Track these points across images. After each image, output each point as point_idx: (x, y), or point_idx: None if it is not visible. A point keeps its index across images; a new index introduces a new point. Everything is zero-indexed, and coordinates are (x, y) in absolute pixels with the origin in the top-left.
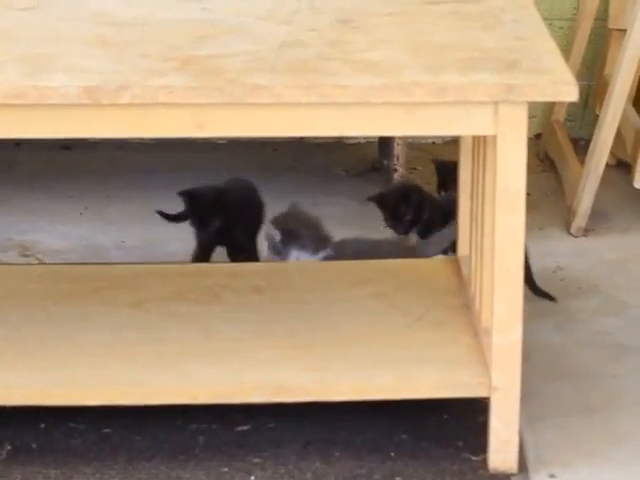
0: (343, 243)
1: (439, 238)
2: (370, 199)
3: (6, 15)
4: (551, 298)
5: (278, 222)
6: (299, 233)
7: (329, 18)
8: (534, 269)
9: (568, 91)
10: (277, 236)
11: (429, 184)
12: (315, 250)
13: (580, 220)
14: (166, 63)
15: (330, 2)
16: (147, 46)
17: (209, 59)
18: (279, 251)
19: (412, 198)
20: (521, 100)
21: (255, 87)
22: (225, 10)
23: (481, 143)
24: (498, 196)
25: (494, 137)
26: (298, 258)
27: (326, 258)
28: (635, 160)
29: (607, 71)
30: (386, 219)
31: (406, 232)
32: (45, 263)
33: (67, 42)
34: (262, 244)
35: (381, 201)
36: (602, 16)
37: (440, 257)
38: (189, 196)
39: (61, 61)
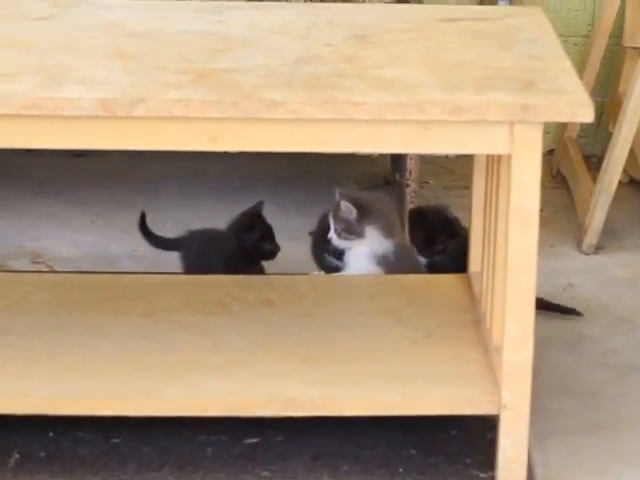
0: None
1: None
2: (411, 212)
3: (21, 25)
4: (574, 312)
5: (352, 199)
6: (375, 211)
7: (345, 33)
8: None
9: (584, 112)
10: (353, 213)
11: (437, 198)
12: (388, 234)
13: (591, 237)
14: (181, 76)
15: (346, 17)
16: (162, 58)
17: (224, 73)
18: (352, 229)
19: (454, 229)
20: (537, 120)
21: (270, 103)
22: (241, 23)
23: (495, 161)
24: (511, 215)
25: (509, 156)
26: (372, 238)
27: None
28: None
29: (621, 88)
30: (414, 236)
31: (429, 257)
32: (56, 271)
33: (82, 53)
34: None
35: (421, 219)
36: (617, 34)
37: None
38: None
39: (76, 72)
